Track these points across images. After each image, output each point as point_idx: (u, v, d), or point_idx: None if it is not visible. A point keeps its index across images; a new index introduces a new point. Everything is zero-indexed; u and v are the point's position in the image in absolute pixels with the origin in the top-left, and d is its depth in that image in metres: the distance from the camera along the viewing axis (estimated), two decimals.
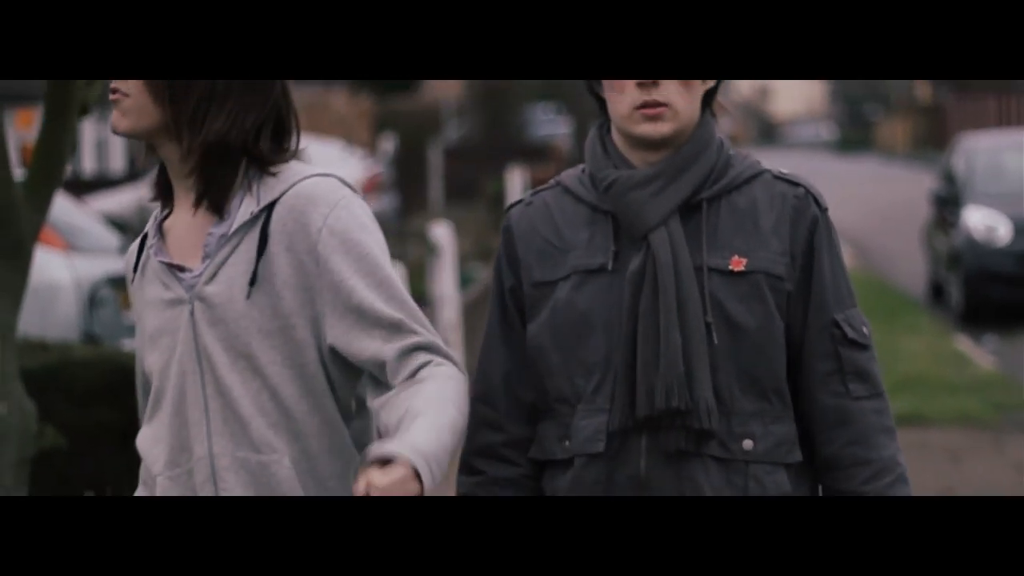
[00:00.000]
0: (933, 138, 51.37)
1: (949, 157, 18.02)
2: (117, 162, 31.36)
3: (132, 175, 30.99)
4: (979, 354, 13.53)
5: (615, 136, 2.93)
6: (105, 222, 11.56)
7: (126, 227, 11.61)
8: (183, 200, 2.90)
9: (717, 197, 2.90)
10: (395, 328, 2.78)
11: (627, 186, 2.87)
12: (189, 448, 2.85)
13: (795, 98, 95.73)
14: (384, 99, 32.53)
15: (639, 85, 2.84)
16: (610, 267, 2.88)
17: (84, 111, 6.05)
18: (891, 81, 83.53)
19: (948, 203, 16.58)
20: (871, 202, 32.25)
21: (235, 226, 2.83)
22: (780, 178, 2.93)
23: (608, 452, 2.85)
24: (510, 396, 2.96)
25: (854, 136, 75.93)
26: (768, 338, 2.87)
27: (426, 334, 2.80)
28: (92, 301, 9.06)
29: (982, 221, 15.53)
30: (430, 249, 12.43)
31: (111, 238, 10.64)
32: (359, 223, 2.83)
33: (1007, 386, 11.72)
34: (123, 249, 9.97)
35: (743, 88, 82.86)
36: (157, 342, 2.86)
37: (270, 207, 2.82)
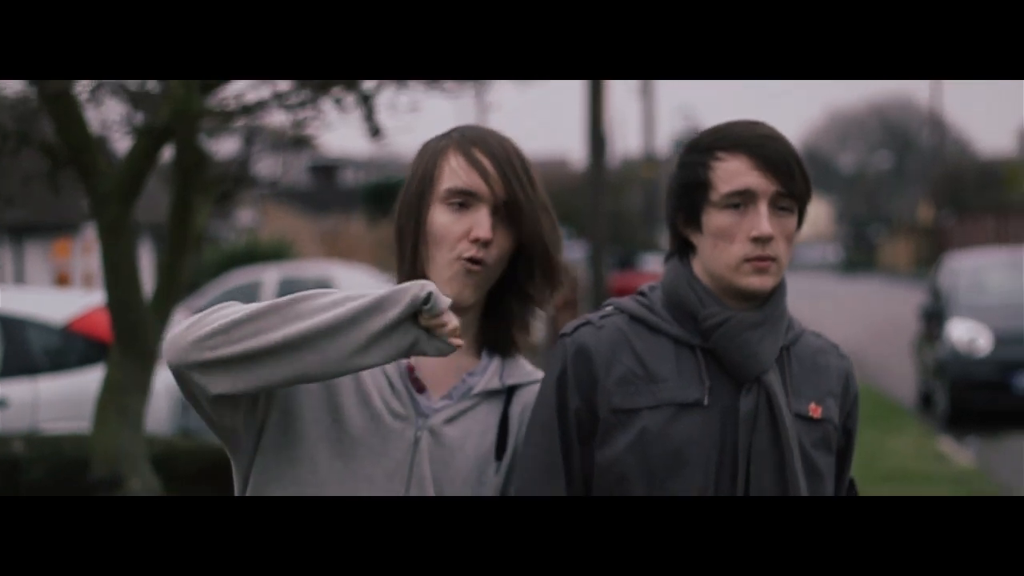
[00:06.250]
0: (934, 258, 51.89)
1: (936, 275, 18.64)
2: None
3: None
4: (959, 453, 14.03)
5: (702, 278, 2.89)
6: None
7: None
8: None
9: (788, 347, 2.92)
10: None
11: (741, 327, 2.84)
12: None
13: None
14: None
15: (754, 240, 2.81)
16: (705, 402, 2.84)
17: (197, 242, 7.25)
18: (894, 203, 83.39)
19: (934, 317, 17.24)
20: (868, 318, 33.03)
21: (481, 388, 2.90)
22: (819, 338, 3.00)
23: None
24: None
25: (858, 257, 75.51)
26: (828, 486, 2.92)
27: None
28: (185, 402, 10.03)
29: (965, 333, 16.15)
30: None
31: None
32: None
33: (981, 479, 12.28)
34: None
35: None
36: (355, 438, 2.83)
37: (512, 388, 2.94)
